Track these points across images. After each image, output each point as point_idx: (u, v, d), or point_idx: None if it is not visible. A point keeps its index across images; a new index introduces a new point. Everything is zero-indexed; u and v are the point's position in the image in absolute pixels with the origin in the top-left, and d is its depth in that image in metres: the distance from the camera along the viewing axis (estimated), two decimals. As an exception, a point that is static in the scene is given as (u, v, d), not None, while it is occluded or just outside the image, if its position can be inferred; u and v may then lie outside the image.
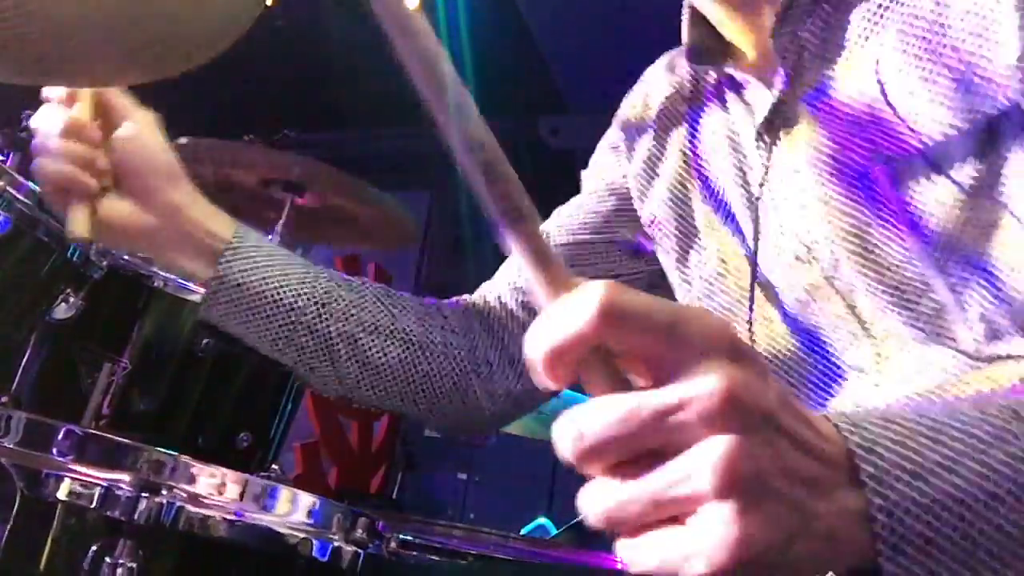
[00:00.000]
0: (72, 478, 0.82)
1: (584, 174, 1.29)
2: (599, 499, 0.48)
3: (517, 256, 0.50)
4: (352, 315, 1.16)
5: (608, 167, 1.24)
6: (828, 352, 0.93)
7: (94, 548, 0.80)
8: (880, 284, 0.85)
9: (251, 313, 1.11)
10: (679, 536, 0.47)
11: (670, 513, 0.47)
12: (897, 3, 0.85)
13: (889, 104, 0.83)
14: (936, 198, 0.80)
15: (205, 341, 1.43)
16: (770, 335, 0.98)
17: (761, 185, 0.97)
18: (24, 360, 1.31)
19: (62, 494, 0.81)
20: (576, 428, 0.47)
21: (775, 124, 0.95)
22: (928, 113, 0.80)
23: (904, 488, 0.50)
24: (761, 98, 0.97)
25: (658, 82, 1.18)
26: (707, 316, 0.49)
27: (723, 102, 1.05)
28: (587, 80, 4.39)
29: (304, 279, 1.14)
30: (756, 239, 0.99)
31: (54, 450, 0.84)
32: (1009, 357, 0.79)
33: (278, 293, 1.12)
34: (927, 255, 0.81)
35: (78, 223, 1.04)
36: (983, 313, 0.79)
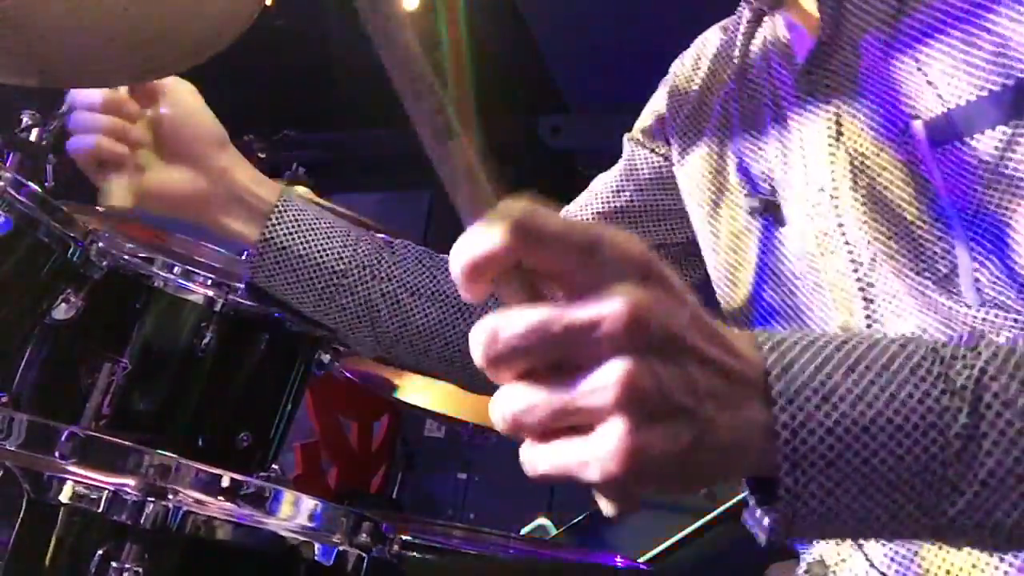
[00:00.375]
0: (75, 481, 0.82)
1: (626, 137, 1.28)
2: (507, 403, 0.50)
3: (445, 173, 0.52)
4: (395, 277, 1.19)
5: (649, 132, 1.24)
6: (820, 314, 0.94)
7: (100, 552, 0.80)
8: (901, 240, 0.85)
9: (295, 275, 1.16)
10: (578, 444, 0.49)
11: (573, 423, 0.49)
12: None
13: (918, 67, 0.83)
14: (966, 161, 0.80)
15: (205, 341, 1.42)
16: (777, 291, 0.99)
17: (793, 132, 0.97)
18: (24, 360, 1.31)
19: (65, 497, 0.81)
20: (491, 332, 0.49)
21: (815, 74, 0.94)
22: (959, 77, 0.80)
23: (812, 409, 0.52)
24: (805, 47, 0.97)
25: (711, 42, 1.19)
26: (624, 238, 0.50)
27: (768, 58, 1.05)
28: (587, 80, 4.39)
29: (347, 243, 1.17)
30: (777, 189, 0.99)
31: (56, 453, 0.84)
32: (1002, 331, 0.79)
33: (321, 256, 1.15)
34: (957, 217, 0.81)
35: (111, 193, 1.09)
36: (993, 283, 0.79)
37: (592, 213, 1.25)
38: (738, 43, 1.10)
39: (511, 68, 4.40)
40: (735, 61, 1.10)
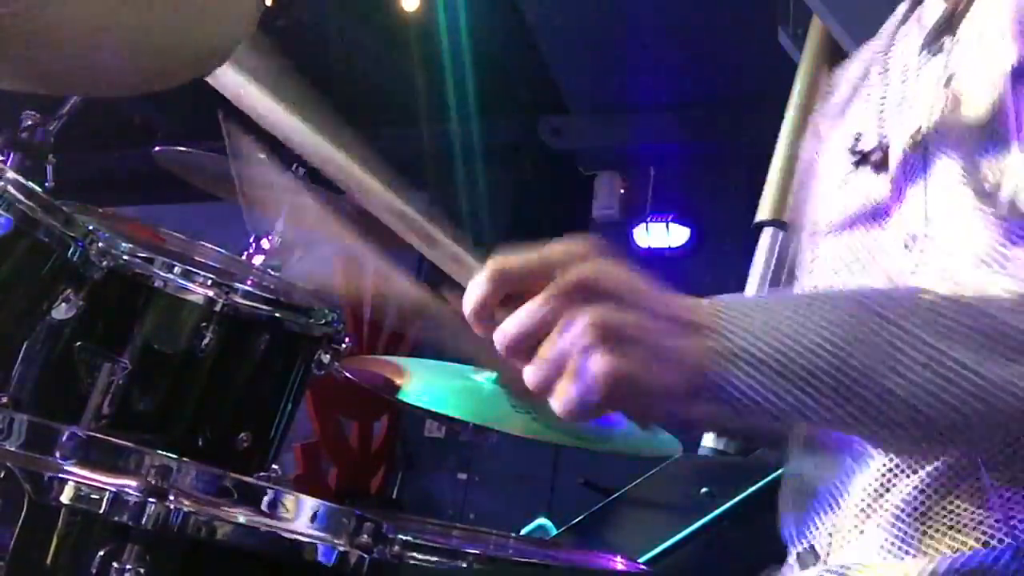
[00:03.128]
0: (76, 482, 0.82)
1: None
2: (528, 372, 0.69)
3: (438, 263, 0.77)
4: None
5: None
6: (889, 244, 1.01)
7: (101, 553, 0.80)
8: (968, 159, 0.92)
9: None
10: (565, 382, 0.68)
11: (569, 368, 0.67)
12: None
13: None
14: None
15: (205, 341, 1.43)
16: (866, 230, 1.07)
17: (911, 86, 1.05)
18: (24, 360, 1.31)
19: (66, 498, 0.81)
20: (501, 331, 0.70)
21: (941, 38, 1.02)
22: None
23: (738, 339, 0.70)
24: (934, 15, 1.05)
25: (871, 43, 1.27)
26: (566, 244, 0.70)
27: (909, 34, 1.12)
28: (587, 80, 4.40)
29: None
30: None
31: (57, 453, 0.84)
32: None
33: None
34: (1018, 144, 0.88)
35: None
36: None
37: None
38: (890, 29, 1.18)
39: (511, 68, 4.40)
40: (882, 41, 1.19)
